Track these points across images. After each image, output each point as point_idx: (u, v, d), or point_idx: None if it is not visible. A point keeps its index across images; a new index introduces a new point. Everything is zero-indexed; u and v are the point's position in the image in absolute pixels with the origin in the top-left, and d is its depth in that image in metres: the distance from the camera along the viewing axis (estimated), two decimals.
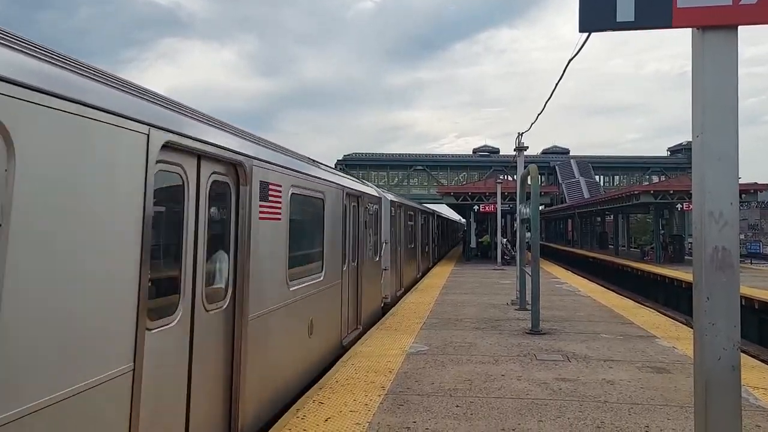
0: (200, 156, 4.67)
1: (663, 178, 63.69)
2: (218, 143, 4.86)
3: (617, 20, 2.90)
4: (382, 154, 74.88)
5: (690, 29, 2.95)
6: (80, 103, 2.96)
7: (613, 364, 8.32)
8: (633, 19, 2.89)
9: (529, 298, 11.92)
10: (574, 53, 6.85)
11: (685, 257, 33.72)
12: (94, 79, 3.28)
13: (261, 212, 5.75)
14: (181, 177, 4.45)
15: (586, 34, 5.24)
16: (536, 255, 11.30)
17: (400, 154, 74.65)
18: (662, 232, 35.53)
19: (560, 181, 67.04)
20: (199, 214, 4.66)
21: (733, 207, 2.79)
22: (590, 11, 2.94)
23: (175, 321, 4.28)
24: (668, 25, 2.88)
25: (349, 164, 67.77)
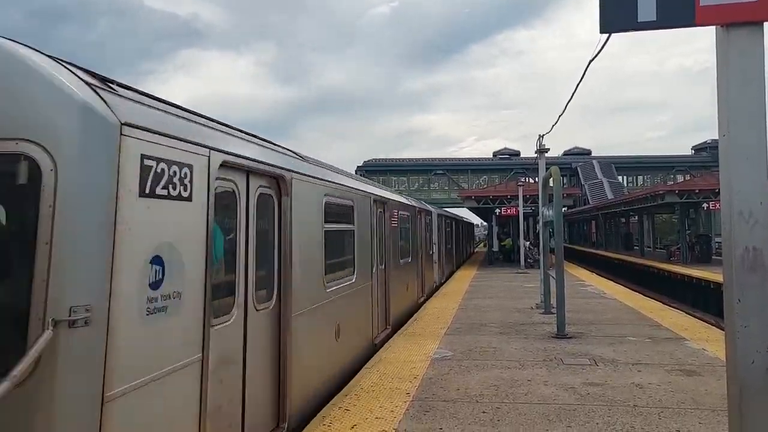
0: None
1: (688, 177, 62.69)
2: None
3: (639, 20, 2.86)
4: (402, 159, 74.85)
5: (713, 27, 2.90)
6: None
7: (642, 367, 8.19)
8: (655, 19, 2.84)
9: (553, 301, 11.80)
10: (594, 54, 6.77)
11: (713, 257, 33.11)
12: None
13: None
14: None
15: (607, 34, 5.19)
16: (560, 258, 11.19)
17: (419, 159, 74.52)
18: (688, 231, 34.92)
19: (582, 183, 66.30)
20: None
21: (763, 206, 2.72)
22: (611, 12, 2.90)
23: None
24: (691, 24, 2.83)
25: (369, 170, 67.74)
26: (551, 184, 11.75)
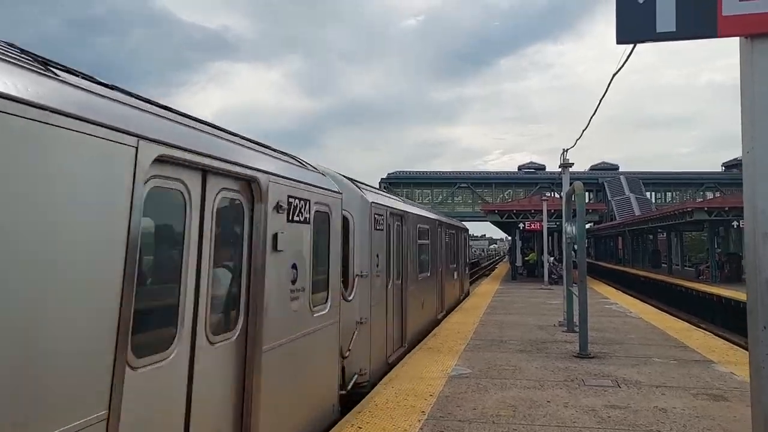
0: None
1: (718, 194, 61.36)
2: None
3: (657, 31, 2.73)
4: (426, 172, 74.55)
5: (737, 38, 2.76)
6: None
7: (667, 390, 7.92)
8: (674, 29, 2.71)
9: (576, 319, 11.53)
10: (619, 67, 6.63)
11: (743, 276, 32.21)
12: None
13: None
14: None
15: (631, 46, 5.04)
16: (583, 274, 10.94)
17: (444, 172, 74.14)
18: (718, 250, 34.08)
19: (609, 198, 65.29)
20: None
21: None
22: (628, 22, 2.78)
23: None
24: (713, 35, 2.69)
25: (393, 182, 67.61)
26: (574, 199, 11.53)
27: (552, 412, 6.88)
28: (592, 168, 75.67)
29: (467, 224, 29.25)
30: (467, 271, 26.76)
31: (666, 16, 2.73)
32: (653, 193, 71.90)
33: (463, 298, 21.94)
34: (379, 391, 7.81)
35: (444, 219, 18.21)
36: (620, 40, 2.81)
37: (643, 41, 2.82)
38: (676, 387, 8.09)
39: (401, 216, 11.36)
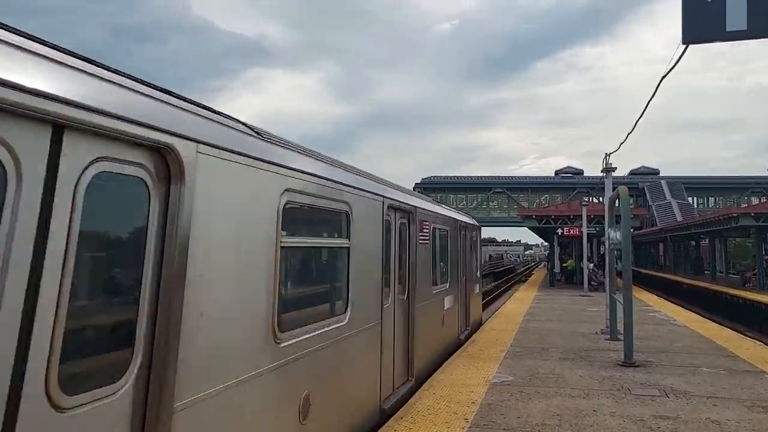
0: None
1: (763, 199, 59.42)
2: None
3: (727, 29, 2.63)
4: (461, 176, 74.10)
5: None
6: None
7: (718, 401, 7.66)
8: (745, 28, 2.61)
9: (620, 327, 11.27)
10: (668, 69, 6.44)
11: None
12: None
13: None
14: None
15: (683, 47, 4.90)
16: (628, 282, 10.68)
17: (479, 177, 73.61)
18: (766, 257, 32.97)
19: (650, 204, 63.80)
20: None
21: None
22: (696, 21, 2.68)
23: None
24: None
25: (427, 187, 67.43)
26: (618, 204, 11.28)
27: (599, 422, 6.72)
28: (632, 172, 74.11)
29: (502, 230, 28.97)
30: (478, 291, 16.52)
31: (736, 14, 2.62)
32: (695, 198, 70.06)
33: (467, 338, 13.35)
34: (420, 397, 7.75)
35: (416, 201, 9.38)
36: (687, 40, 2.71)
37: (711, 41, 2.71)
38: (728, 398, 7.82)
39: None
